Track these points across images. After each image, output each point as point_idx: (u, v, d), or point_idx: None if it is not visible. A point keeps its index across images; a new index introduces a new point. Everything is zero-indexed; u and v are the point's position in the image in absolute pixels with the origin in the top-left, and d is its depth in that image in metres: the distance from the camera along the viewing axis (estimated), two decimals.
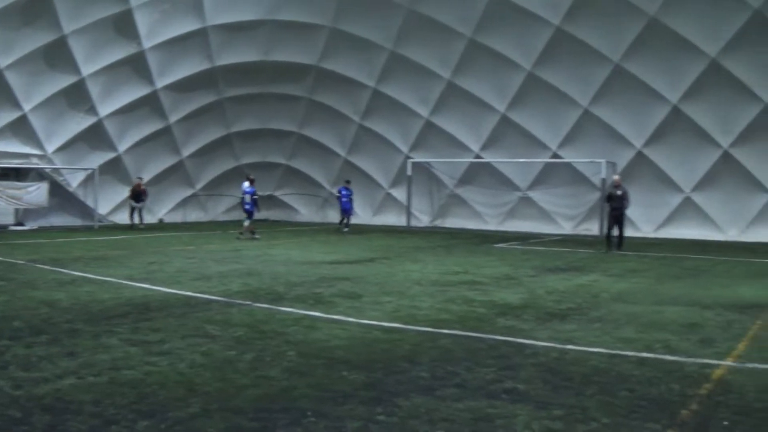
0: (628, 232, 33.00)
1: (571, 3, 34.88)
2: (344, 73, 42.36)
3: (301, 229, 42.08)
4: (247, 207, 33.80)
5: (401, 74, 41.27)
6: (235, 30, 39.73)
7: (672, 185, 37.23)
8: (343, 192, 39.04)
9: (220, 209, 48.69)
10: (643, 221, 38.00)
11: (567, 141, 39.27)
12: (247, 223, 33.79)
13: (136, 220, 39.60)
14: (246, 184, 34.07)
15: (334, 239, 34.07)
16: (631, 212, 33.24)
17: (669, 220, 38.00)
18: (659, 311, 14.57)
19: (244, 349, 10.52)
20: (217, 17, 38.73)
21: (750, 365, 10.07)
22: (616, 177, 31.13)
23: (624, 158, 37.81)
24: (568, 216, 40.56)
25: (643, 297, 16.60)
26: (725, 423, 7.62)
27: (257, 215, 35.33)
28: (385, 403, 8.09)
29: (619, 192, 29.13)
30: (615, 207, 29.09)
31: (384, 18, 38.88)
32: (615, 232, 29.29)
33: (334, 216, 46.14)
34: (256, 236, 32.90)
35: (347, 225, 38.56)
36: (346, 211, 39.12)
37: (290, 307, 14.38)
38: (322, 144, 46.57)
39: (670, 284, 19.00)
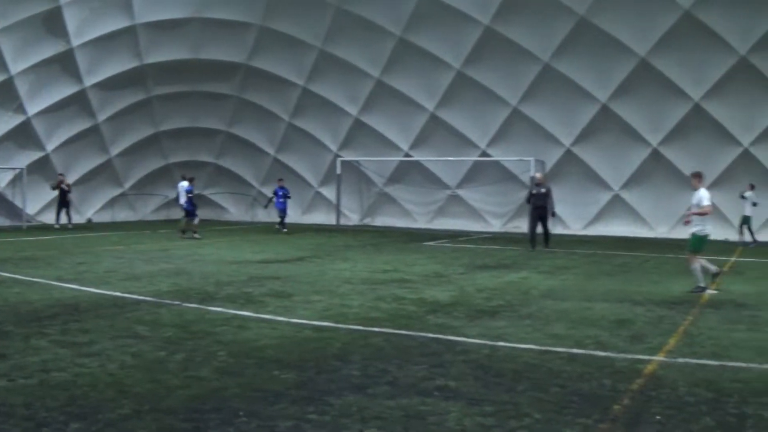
0: (558, 230, 33.35)
1: (501, 2, 34.97)
2: (273, 72, 42.11)
3: (230, 228, 41.81)
4: (186, 206, 33.55)
5: (331, 73, 41.15)
6: (164, 28, 39.26)
7: (601, 183, 37.59)
8: (279, 192, 38.35)
9: (148, 209, 48.13)
10: (573, 218, 38.37)
11: (496, 139, 39.47)
12: (196, 221, 33.54)
13: (63, 220, 38.89)
14: (185, 183, 33.81)
15: (263, 238, 33.91)
16: (560, 210, 33.52)
17: (598, 217, 38.38)
18: (589, 308, 14.69)
19: (174, 350, 10.43)
20: (146, 15, 38.26)
21: (681, 360, 10.18)
22: (538, 174, 31.34)
23: (553, 156, 38.14)
24: (497, 214, 40.78)
25: (573, 293, 16.74)
26: (657, 417, 7.69)
27: (180, 215, 35.13)
28: (316, 402, 8.07)
29: (542, 190, 29.27)
30: (538, 205, 29.20)
31: (313, 16, 38.72)
32: (540, 229, 29.42)
33: (263, 215, 46.07)
34: (186, 236, 32.64)
35: (282, 224, 37.80)
36: (281, 210, 38.22)
37: (220, 306, 14.30)
38: (251, 142, 46.25)
39: (600, 281, 19.16)
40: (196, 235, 32.70)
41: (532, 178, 32.81)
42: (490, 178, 40.25)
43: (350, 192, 44.40)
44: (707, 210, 17.03)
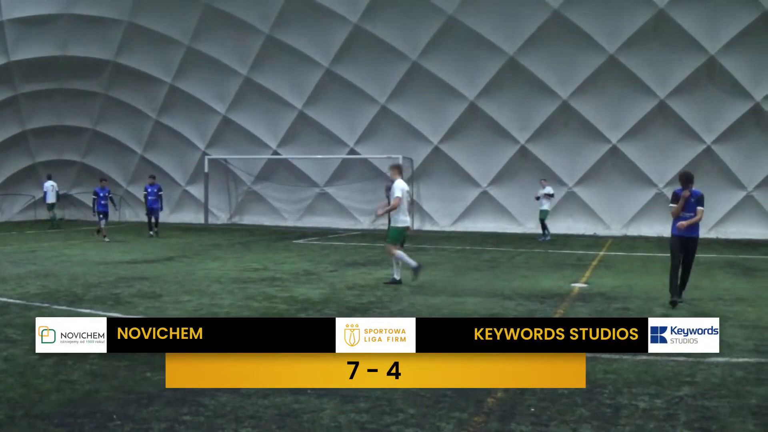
0: (426, 226, 33.45)
1: (369, 1, 35.22)
2: (141, 69, 41.46)
3: (97, 228, 41.20)
4: (102, 209, 32.77)
5: (198, 70, 40.75)
6: (31, 24, 38.45)
7: (469, 180, 37.99)
8: (149, 189, 35.57)
9: (15, 209, 46.94)
10: (441, 215, 38.74)
11: (364, 137, 39.69)
12: (102, 224, 32.78)
13: None
14: (52, 183, 33.65)
15: (130, 238, 33.43)
16: (428, 206, 33.83)
17: (466, 213, 38.77)
18: (460, 302, 14.87)
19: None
20: (13, 11, 37.59)
21: None
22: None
23: (421, 154, 38.47)
24: (365, 211, 40.84)
25: (443, 289, 16.93)
26: (532, 410, 7.85)
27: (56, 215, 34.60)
28: (190, 403, 8.03)
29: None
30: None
31: (181, 13, 38.34)
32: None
33: (130, 215, 45.52)
34: (106, 239, 31.84)
35: (155, 225, 35.12)
36: (153, 210, 35.31)
37: (89, 308, 14.08)
38: (117, 141, 45.43)
39: (470, 276, 19.36)
40: (96, 235, 32.11)
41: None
42: (358, 175, 40.43)
43: (218, 190, 44.08)
44: (395, 203, 17.54)
